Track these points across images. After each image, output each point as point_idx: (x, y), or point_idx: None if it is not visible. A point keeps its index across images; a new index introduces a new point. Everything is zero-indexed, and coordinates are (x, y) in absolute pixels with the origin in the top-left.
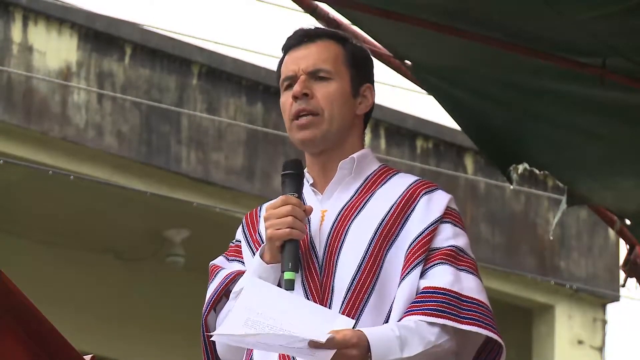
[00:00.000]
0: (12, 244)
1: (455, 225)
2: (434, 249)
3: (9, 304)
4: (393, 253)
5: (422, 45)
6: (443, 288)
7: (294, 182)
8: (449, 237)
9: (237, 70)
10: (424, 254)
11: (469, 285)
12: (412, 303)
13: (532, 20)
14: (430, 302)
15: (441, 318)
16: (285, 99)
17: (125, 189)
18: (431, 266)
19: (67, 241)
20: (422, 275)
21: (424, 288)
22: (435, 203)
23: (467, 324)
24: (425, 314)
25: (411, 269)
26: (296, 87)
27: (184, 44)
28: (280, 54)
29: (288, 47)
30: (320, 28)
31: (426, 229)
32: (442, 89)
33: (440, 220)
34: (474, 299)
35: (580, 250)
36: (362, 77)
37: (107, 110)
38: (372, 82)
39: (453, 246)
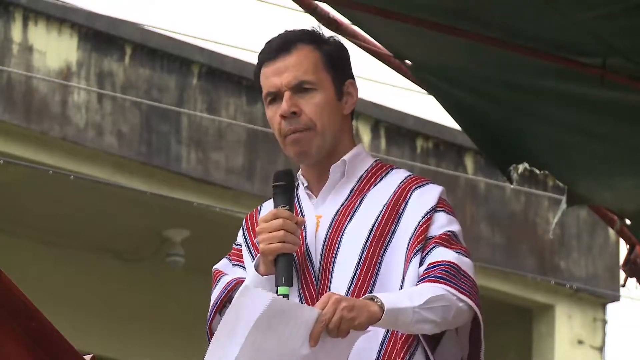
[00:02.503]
0: (12, 244)
1: (448, 214)
2: (430, 237)
3: (9, 304)
4: (390, 254)
5: (422, 45)
6: (444, 260)
7: (285, 193)
8: (443, 224)
9: (237, 70)
10: (421, 242)
11: (466, 264)
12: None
13: (532, 20)
14: (432, 271)
15: (442, 284)
16: (273, 114)
17: (125, 189)
18: (429, 251)
19: (67, 241)
20: (421, 263)
21: (428, 265)
22: (428, 195)
23: (464, 295)
24: (429, 281)
25: (410, 260)
26: (283, 106)
27: (184, 44)
28: None
29: (263, 59)
30: (291, 32)
31: (421, 220)
32: (442, 89)
33: (435, 210)
34: (470, 277)
35: (580, 250)
36: (342, 76)
37: (107, 110)
38: (352, 76)
39: (448, 231)
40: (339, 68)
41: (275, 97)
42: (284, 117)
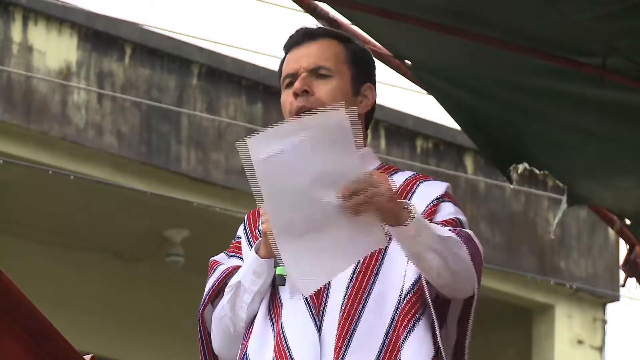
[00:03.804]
0: (12, 244)
1: (454, 205)
2: (437, 222)
3: (9, 304)
4: (394, 244)
5: (422, 45)
6: (452, 221)
7: None
8: (450, 212)
9: (237, 70)
10: None
11: (477, 241)
12: None
13: (532, 20)
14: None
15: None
16: (286, 96)
17: (125, 189)
18: None
19: (67, 241)
20: None
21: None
22: (434, 188)
23: (469, 255)
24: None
25: None
26: (296, 84)
27: (184, 44)
28: (280, 53)
29: (290, 45)
30: (323, 27)
31: (427, 206)
32: (442, 89)
33: (441, 199)
34: (479, 249)
35: (580, 250)
36: (363, 76)
37: (107, 110)
38: (373, 82)
39: (456, 217)
40: (360, 67)
41: (292, 80)
42: (295, 95)
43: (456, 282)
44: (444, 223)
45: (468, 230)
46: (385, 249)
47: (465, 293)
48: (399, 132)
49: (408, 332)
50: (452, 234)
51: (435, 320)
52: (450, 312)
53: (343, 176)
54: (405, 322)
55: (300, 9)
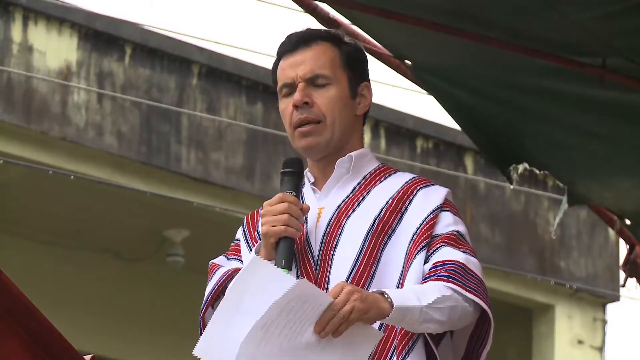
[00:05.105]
0: (12, 244)
1: (454, 214)
2: (436, 236)
3: (9, 304)
4: (390, 248)
5: (422, 45)
6: (451, 259)
7: (293, 180)
8: (449, 223)
9: (237, 70)
10: (427, 239)
11: (473, 263)
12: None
13: (532, 20)
14: (439, 270)
15: (449, 282)
16: (285, 106)
17: (125, 189)
18: (435, 250)
19: (67, 241)
20: (426, 260)
21: (434, 263)
22: (433, 195)
23: (471, 293)
24: (435, 279)
25: (414, 256)
26: (296, 96)
27: (184, 44)
28: None
29: (283, 52)
30: (314, 29)
31: (427, 217)
32: (442, 88)
33: (440, 209)
34: (477, 276)
35: (580, 250)
36: (358, 77)
37: (107, 110)
38: (368, 79)
39: (455, 231)
40: (356, 69)
41: (290, 89)
42: (296, 107)
43: (457, 325)
44: (443, 240)
45: (462, 254)
46: (381, 254)
47: (468, 323)
48: (399, 132)
49: (407, 352)
50: (439, 292)
51: (430, 343)
52: (457, 330)
53: (314, 314)
54: (403, 343)
55: (300, 9)
